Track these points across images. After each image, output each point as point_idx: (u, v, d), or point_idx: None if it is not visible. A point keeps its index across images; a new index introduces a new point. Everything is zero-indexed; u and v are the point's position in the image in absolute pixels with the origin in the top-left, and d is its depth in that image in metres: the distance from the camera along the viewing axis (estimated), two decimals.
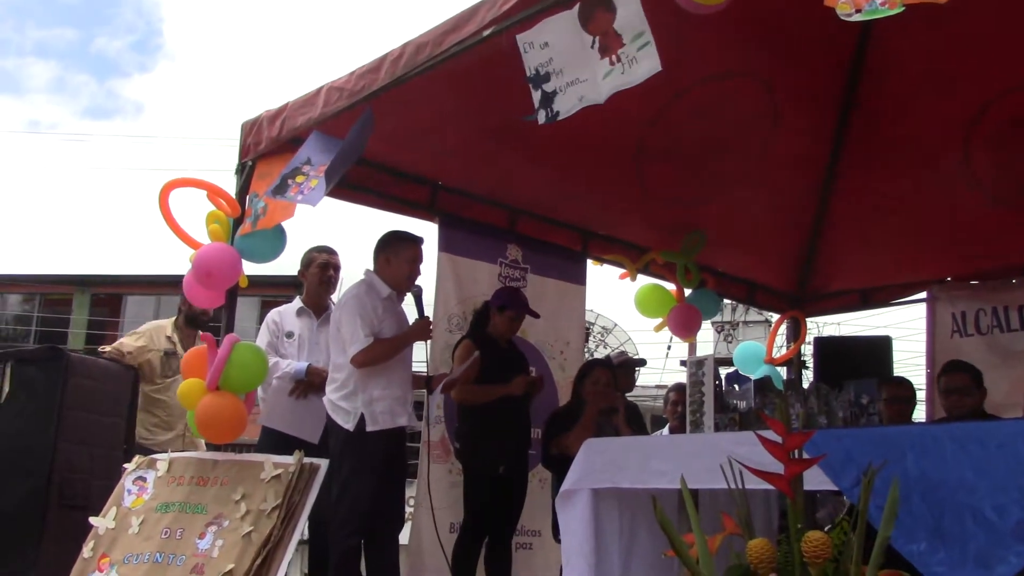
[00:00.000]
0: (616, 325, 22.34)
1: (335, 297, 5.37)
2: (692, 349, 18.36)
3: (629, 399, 6.09)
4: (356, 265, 5.19)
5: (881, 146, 6.20)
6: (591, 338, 22.78)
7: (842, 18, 2.72)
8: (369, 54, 4.40)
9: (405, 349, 4.74)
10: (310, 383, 5.04)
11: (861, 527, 2.85)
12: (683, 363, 17.63)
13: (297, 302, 5.46)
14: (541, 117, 3.41)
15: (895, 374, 6.95)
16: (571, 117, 3.50)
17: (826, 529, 3.60)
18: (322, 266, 5.35)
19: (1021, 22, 4.77)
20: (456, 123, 5.01)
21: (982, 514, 3.00)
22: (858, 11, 2.63)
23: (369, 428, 4.44)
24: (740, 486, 3.24)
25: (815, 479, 3.38)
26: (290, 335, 5.32)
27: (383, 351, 4.55)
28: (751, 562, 2.97)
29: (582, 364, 5.76)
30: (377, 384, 4.50)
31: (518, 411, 5.16)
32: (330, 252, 5.39)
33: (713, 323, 20.08)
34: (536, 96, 3.41)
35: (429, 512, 5.07)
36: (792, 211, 6.88)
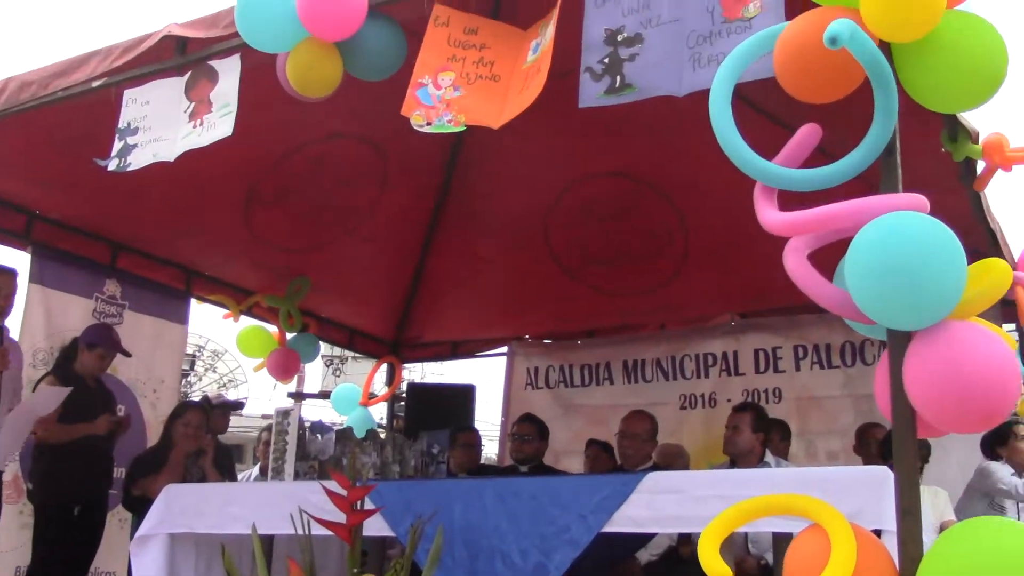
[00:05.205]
0: (227, 351, 21.93)
1: None
2: (300, 382, 18.51)
3: (222, 440, 6.17)
4: None
5: (476, 215, 6.85)
6: (200, 362, 22.18)
7: (416, 128, 3.14)
8: None
9: None
10: None
11: (405, 571, 3.26)
12: (290, 395, 17.72)
13: None
14: (112, 165, 3.57)
15: (474, 421, 7.65)
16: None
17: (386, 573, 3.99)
18: None
19: (594, 124, 5.50)
20: (57, 154, 4.89)
21: (510, 557, 3.52)
22: (428, 124, 3.07)
23: None
24: (308, 532, 3.53)
25: (377, 525, 3.76)
26: None
27: None
28: None
29: (176, 405, 5.78)
30: None
31: (100, 450, 5.08)
32: None
33: (323, 356, 20.38)
34: (118, 145, 3.55)
35: None
36: (394, 265, 7.36)
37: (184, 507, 4.09)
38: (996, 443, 5.57)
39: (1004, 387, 2.08)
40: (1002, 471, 5.43)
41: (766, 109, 4.43)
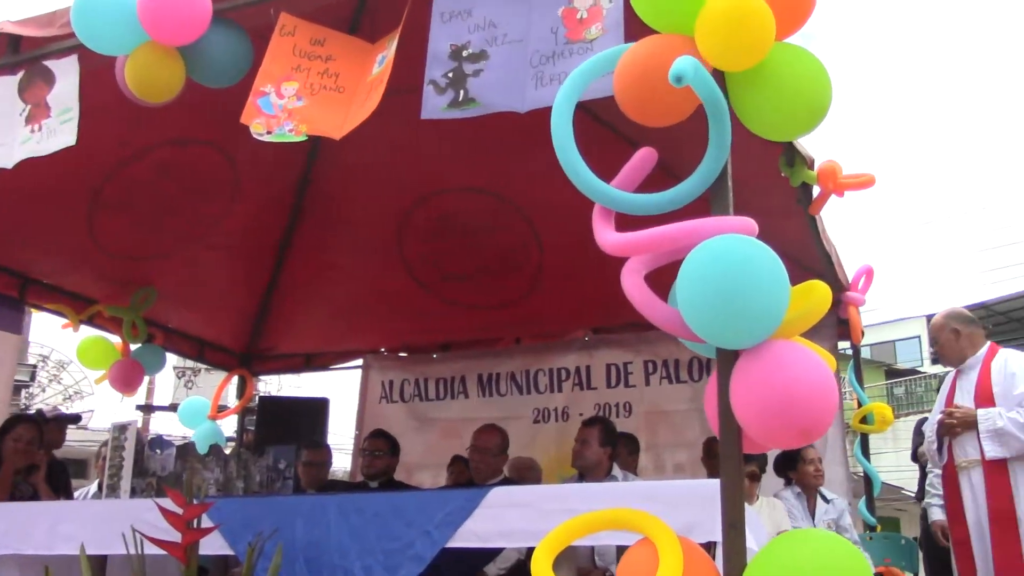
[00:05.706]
0: (72, 362, 20.97)
1: None
2: (150, 394, 17.86)
3: (58, 455, 5.88)
4: None
5: (331, 225, 6.76)
6: (43, 373, 21.13)
7: (255, 137, 3.09)
8: None
9: None
10: None
11: None
12: (139, 408, 17.11)
13: None
14: None
15: (327, 435, 7.53)
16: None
17: None
18: None
19: (448, 140, 5.51)
20: None
21: (353, 574, 3.47)
22: (269, 132, 3.02)
23: None
24: (141, 553, 3.40)
25: (217, 543, 3.66)
26: None
27: None
28: None
29: (6, 419, 5.48)
30: None
31: None
32: None
33: (175, 367, 19.75)
34: None
35: None
36: (247, 274, 7.18)
37: (9, 527, 3.87)
38: (787, 466, 5.76)
39: (820, 404, 2.17)
40: (789, 500, 5.60)
41: (612, 123, 4.53)
